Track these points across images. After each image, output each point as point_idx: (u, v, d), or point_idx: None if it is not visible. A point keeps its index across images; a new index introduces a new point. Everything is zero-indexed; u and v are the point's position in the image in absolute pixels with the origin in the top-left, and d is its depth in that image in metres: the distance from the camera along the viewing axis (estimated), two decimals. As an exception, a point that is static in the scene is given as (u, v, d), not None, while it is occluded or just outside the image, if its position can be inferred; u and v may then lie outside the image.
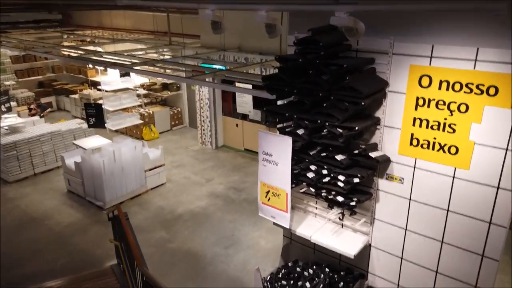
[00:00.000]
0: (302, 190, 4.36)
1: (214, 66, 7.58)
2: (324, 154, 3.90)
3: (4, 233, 7.23)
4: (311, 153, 4.00)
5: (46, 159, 9.62)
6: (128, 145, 8.06)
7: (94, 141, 8.48)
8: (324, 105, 3.55)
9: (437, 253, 3.72)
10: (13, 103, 11.34)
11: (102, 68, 10.93)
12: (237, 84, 8.68)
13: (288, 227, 4.16)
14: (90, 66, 13.74)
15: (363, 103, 3.36)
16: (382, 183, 3.91)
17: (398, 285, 4.09)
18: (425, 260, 3.82)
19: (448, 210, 3.56)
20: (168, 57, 8.70)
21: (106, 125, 8.27)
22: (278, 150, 3.93)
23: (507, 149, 3.10)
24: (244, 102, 9.84)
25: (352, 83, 3.36)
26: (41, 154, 9.52)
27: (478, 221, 3.38)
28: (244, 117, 10.65)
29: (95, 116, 8.00)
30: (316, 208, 4.54)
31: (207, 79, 6.12)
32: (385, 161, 3.74)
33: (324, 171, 3.91)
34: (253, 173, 9.50)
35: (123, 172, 7.96)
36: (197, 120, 11.25)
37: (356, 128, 3.44)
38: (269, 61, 7.39)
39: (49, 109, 12.92)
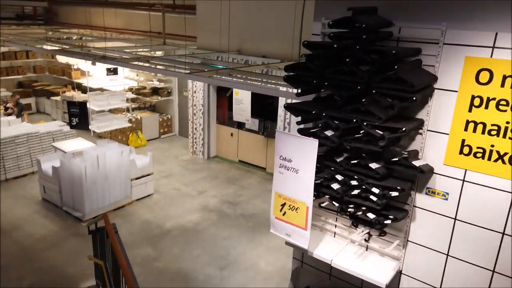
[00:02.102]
0: (324, 204, 3.70)
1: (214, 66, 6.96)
2: (354, 161, 3.26)
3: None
4: (338, 160, 3.36)
5: (20, 163, 8.71)
6: (113, 150, 7.28)
7: (75, 144, 7.66)
8: (363, 100, 2.92)
9: (487, 285, 3.09)
10: (9, 104, 10.42)
11: (88, 69, 10.19)
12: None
13: (306, 247, 3.50)
14: (75, 66, 12.96)
15: (414, 98, 2.76)
16: (420, 199, 3.29)
17: (436, 322, 3.43)
18: (472, 294, 3.18)
19: (503, 233, 2.95)
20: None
21: (90, 126, 7.47)
22: (300, 154, 3.29)
23: None
24: (242, 109, 9.20)
25: (400, 74, 2.76)
26: (15, 157, 8.62)
27: (548, 249, 2.77)
28: (240, 126, 10.00)
29: (78, 116, 7.22)
30: (335, 226, 3.88)
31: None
32: (429, 171, 3.13)
33: (354, 182, 3.28)
34: (249, 186, 8.81)
35: (106, 180, 7.15)
36: (189, 128, 10.54)
37: (404, 129, 2.83)
38: (276, 63, 6.83)
39: (28, 112, 12.01)
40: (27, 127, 9.17)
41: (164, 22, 9.28)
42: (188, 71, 5.49)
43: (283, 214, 3.65)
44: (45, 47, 8.02)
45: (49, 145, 8.98)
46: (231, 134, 10.16)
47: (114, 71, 8.63)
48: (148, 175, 8.02)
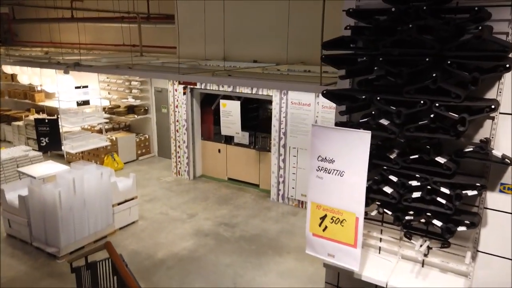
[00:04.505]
0: (373, 213, 3.03)
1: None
2: (414, 156, 2.64)
3: None
4: (391, 157, 2.73)
5: (-22, 195, 7.55)
6: (91, 173, 6.33)
7: (46, 167, 6.64)
8: (433, 75, 2.31)
9: None
10: None
11: (54, 90, 9.20)
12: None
13: (356, 269, 2.82)
14: (39, 88, 11.86)
15: (507, 66, 2.18)
16: (492, 198, 2.69)
17: None
18: None
19: None
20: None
21: (63, 147, 6.51)
22: (346, 152, 2.64)
23: None
24: (231, 122, 8.49)
25: (487, 36, 2.18)
26: (-28, 189, 7.45)
27: None
28: (228, 140, 9.26)
29: (48, 135, 6.25)
30: (380, 240, 3.22)
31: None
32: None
33: (414, 183, 2.65)
34: (244, 206, 8.02)
35: (85, 207, 6.17)
36: (171, 146, 9.69)
37: (493, 106, 2.24)
38: (273, 66, 6.27)
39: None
40: (-14, 154, 8.05)
41: (140, 33, 8.59)
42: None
43: (324, 229, 2.96)
44: (5, 61, 7.08)
45: (13, 172, 7.87)
46: (219, 150, 9.39)
47: (84, 87, 7.76)
48: (132, 199, 7.08)
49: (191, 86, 8.97)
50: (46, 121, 6.49)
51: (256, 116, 9.21)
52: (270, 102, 8.16)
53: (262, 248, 6.36)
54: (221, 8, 6.44)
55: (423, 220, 2.70)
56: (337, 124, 2.85)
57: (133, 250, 6.25)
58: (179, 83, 8.88)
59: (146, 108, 10.89)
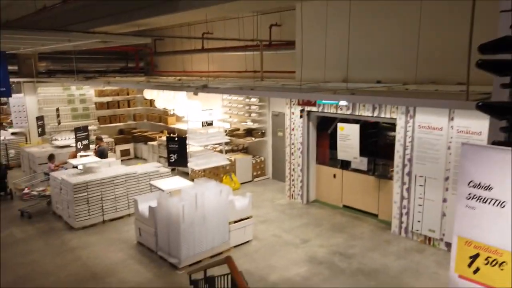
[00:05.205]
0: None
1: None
2: None
3: (59, 289, 5.92)
4: None
5: (117, 204, 8.51)
6: (212, 189, 6.61)
7: (173, 182, 7.18)
8: None
9: None
10: (91, 146, 10.78)
11: (183, 114, 10.05)
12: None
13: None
14: (171, 112, 13.21)
15: None
16: None
17: None
18: None
19: None
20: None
21: (189, 164, 6.97)
22: (508, 178, 2.11)
23: None
24: (349, 146, 8.10)
25: None
26: (113, 198, 8.44)
27: None
28: (344, 166, 8.83)
29: (177, 153, 6.77)
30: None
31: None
32: None
33: None
34: (362, 236, 7.44)
35: (204, 222, 6.43)
36: (286, 169, 9.67)
37: None
38: (401, 85, 5.76)
39: (127, 157, 12.24)
40: (125, 168, 9.11)
41: (262, 59, 8.92)
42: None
43: (475, 272, 2.42)
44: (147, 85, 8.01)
45: (146, 185, 8.73)
46: (334, 175, 9.01)
47: (209, 123, 8.32)
48: (247, 218, 7.16)
49: (308, 109, 8.90)
50: (176, 139, 7.05)
51: (376, 141, 8.62)
52: (393, 126, 7.56)
53: (382, 285, 5.73)
54: (341, 30, 6.26)
55: None
56: (495, 143, 2.36)
57: (246, 270, 6.21)
58: (298, 103, 8.88)
59: (263, 131, 11.18)
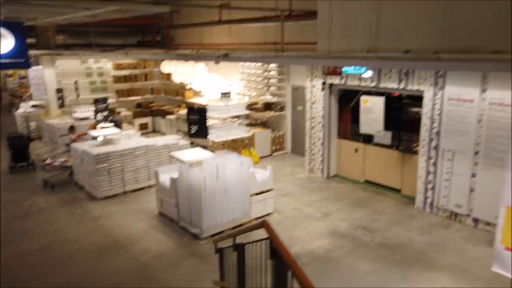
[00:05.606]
0: None
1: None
2: None
3: (80, 257, 6.00)
4: None
5: (138, 175, 8.55)
6: (233, 161, 6.53)
7: (194, 153, 7.13)
8: None
9: None
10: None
11: (200, 88, 9.88)
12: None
13: None
14: (188, 86, 13.08)
15: None
16: None
17: None
18: None
19: None
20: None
21: (209, 136, 6.88)
22: None
23: None
24: (372, 119, 7.87)
25: None
26: (134, 169, 8.47)
27: None
28: (367, 140, 8.63)
29: (198, 124, 6.67)
30: None
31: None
32: None
33: None
34: (384, 211, 7.32)
35: (225, 194, 6.39)
36: (306, 143, 9.52)
37: None
38: (432, 55, 5.48)
39: (145, 130, 12.25)
40: (145, 140, 9.09)
41: (283, 30, 8.62)
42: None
43: (525, 242, 2.27)
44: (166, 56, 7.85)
45: (165, 158, 8.72)
46: (356, 150, 8.83)
47: (227, 94, 8.11)
48: (268, 191, 7.09)
49: (330, 82, 8.65)
50: (196, 110, 6.94)
51: (400, 115, 8.35)
52: (418, 99, 7.28)
53: (408, 260, 5.62)
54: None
55: None
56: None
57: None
58: (323, 72, 8.62)
59: (283, 105, 10.97)
